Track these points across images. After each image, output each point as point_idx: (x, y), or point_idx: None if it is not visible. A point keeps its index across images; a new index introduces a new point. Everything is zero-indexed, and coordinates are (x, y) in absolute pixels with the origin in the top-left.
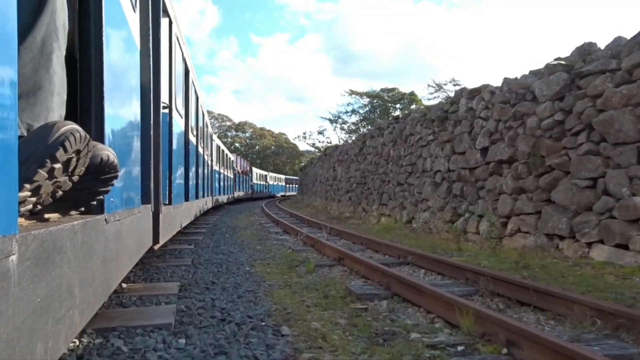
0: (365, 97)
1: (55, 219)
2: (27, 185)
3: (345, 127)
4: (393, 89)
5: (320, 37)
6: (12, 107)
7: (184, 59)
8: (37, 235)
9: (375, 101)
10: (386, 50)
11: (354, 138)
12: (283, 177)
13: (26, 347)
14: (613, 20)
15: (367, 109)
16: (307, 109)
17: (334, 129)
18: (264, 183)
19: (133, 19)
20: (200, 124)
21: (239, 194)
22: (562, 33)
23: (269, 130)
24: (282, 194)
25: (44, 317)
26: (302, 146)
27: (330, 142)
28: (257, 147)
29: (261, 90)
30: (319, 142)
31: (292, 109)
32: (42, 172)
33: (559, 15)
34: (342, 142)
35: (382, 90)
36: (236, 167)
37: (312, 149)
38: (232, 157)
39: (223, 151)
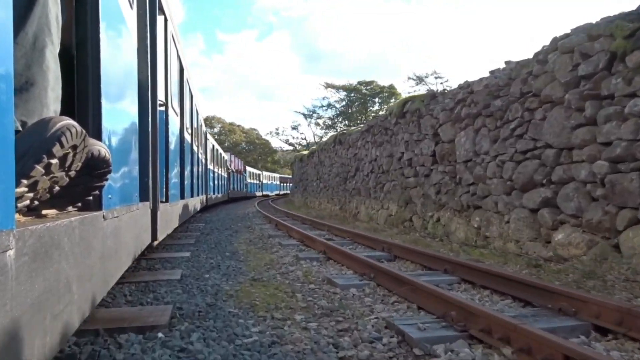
0: (341, 90)
1: (53, 215)
2: (24, 181)
3: (321, 122)
4: (371, 82)
5: (289, 34)
6: (8, 103)
7: (179, 57)
8: (34, 230)
9: (352, 95)
10: (357, 49)
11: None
12: (277, 175)
13: (24, 341)
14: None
15: (344, 103)
16: (277, 107)
17: (309, 125)
18: (258, 182)
19: (130, 16)
20: (195, 122)
21: (233, 192)
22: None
23: (239, 126)
24: (277, 192)
25: (42, 312)
26: (275, 142)
27: (305, 138)
28: (226, 143)
29: (229, 88)
30: (293, 138)
31: (261, 107)
32: (39, 168)
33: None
34: (317, 138)
35: (360, 83)
36: (230, 166)
37: (286, 145)
38: (226, 156)
39: (217, 150)
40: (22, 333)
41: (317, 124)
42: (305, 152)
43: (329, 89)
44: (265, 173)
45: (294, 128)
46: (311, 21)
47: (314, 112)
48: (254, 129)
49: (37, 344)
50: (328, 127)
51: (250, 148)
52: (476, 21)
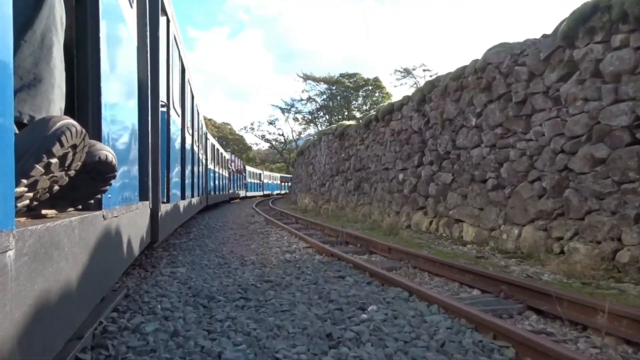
0: (322, 83)
1: (53, 215)
2: (24, 181)
3: (300, 117)
4: (354, 74)
5: (261, 32)
6: (8, 104)
7: (180, 58)
8: (34, 230)
9: (334, 88)
10: (333, 50)
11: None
12: (278, 175)
13: (24, 342)
14: None
15: (326, 96)
16: (249, 107)
17: (286, 120)
18: (258, 182)
19: (130, 15)
20: (196, 122)
21: (233, 192)
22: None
23: (210, 119)
24: (278, 192)
25: (42, 313)
26: (250, 139)
27: (282, 134)
28: None
29: (200, 86)
30: (269, 133)
31: (233, 106)
32: (39, 167)
33: None
34: (295, 134)
35: (342, 75)
36: (230, 166)
37: (262, 141)
38: (227, 156)
39: (218, 150)
40: (23, 333)
41: (296, 119)
42: (348, 123)
43: (308, 81)
44: (266, 173)
45: (271, 123)
46: (285, 20)
47: (293, 105)
48: (227, 124)
49: (37, 345)
50: (308, 122)
51: (223, 144)
52: (460, 15)
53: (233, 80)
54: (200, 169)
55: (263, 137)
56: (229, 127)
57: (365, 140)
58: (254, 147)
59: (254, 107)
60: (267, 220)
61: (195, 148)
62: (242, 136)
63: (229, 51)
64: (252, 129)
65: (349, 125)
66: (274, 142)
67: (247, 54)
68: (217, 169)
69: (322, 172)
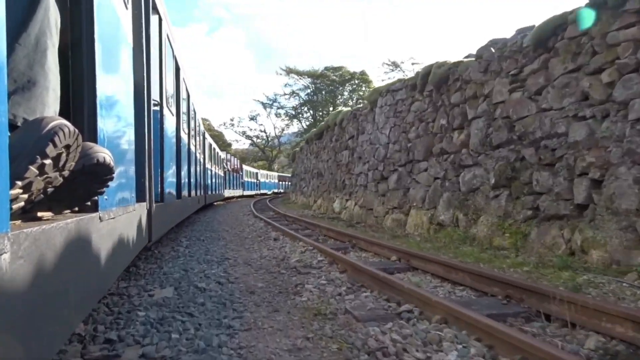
0: (306, 77)
1: (49, 217)
2: (19, 182)
3: (282, 112)
4: (340, 68)
5: (242, 30)
6: (2, 104)
7: (174, 57)
8: (29, 233)
9: (319, 81)
10: (321, 50)
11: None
12: (276, 174)
13: (20, 345)
14: None
15: (310, 90)
16: (230, 105)
17: (268, 115)
18: (255, 181)
19: (125, 16)
20: (192, 122)
21: (229, 191)
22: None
23: None
24: (275, 190)
25: (38, 316)
26: (230, 135)
27: (264, 131)
28: None
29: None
30: (250, 129)
31: (212, 105)
32: (33, 169)
33: None
34: (277, 130)
35: (327, 69)
36: (226, 165)
37: (242, 137)
38: (222, 155)
39: (215, 149)
40: (19, 337)
41: (278, 115)
42: (452, 61)
43: (291, 75)
44: (262, 172)
45: (252, 118)
46: (268, 18)
47: (275, 100)
48: (206, 119)
49: (34, 348)
50: (291, 117)
51: None
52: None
53: (212, 77)
54: (198, 169)
55: (244, 133)
56: (208, 122)
57: (530, 80)
58: (234, 144)
59: (235, 105)
60: (343, 264)
61: (192, 148)
62: (221, 132)
63: (208, 48)
64: (232, 125)
65: (458, 63)
66: (255, 139)
67: (227, 51)
68: (213, 168)
69: (383, 157)
